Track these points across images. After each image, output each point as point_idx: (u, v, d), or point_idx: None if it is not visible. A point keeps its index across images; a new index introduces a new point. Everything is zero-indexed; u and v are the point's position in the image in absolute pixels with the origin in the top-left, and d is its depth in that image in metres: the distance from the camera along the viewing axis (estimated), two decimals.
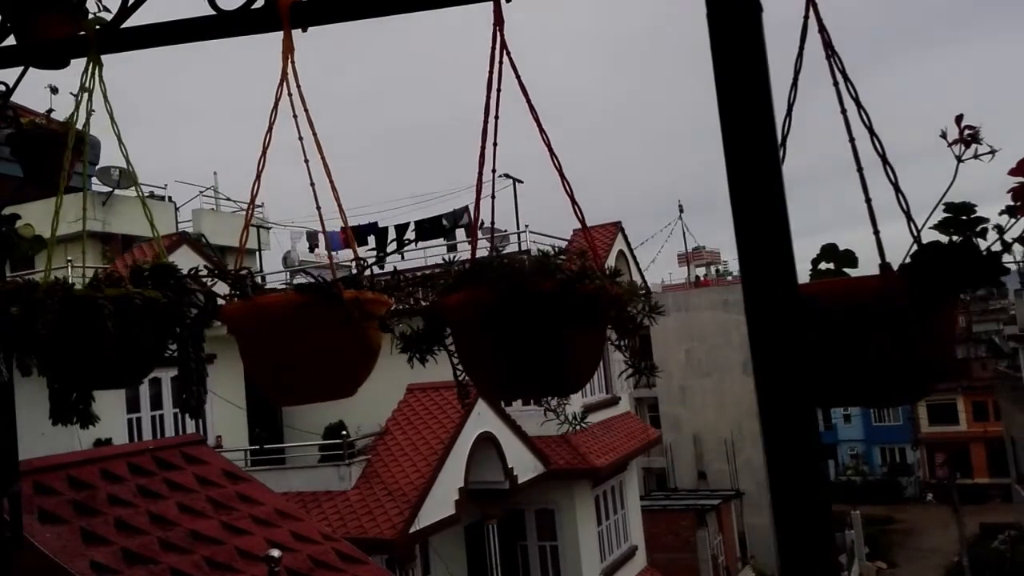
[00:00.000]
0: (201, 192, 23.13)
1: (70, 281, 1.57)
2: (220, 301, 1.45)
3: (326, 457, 14.11)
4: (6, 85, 4.06)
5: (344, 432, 13.84)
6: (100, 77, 1.80)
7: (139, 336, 1.46)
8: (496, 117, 1.60)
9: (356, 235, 20.94)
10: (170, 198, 22.33)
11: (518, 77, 1.60)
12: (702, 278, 41.49)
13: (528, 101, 1.61)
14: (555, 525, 17.19)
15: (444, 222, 18.15)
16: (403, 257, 19.68)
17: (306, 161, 1.59)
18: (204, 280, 1.50)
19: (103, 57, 1.89)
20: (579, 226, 1.74)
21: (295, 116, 1.62)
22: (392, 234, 19.99)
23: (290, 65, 1.59)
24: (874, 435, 50.60)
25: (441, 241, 20.05)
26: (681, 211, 37.76)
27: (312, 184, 1.59)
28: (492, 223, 1.99)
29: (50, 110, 4.45)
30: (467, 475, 14.08)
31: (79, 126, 1.78)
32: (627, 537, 19.56)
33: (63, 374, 1.50)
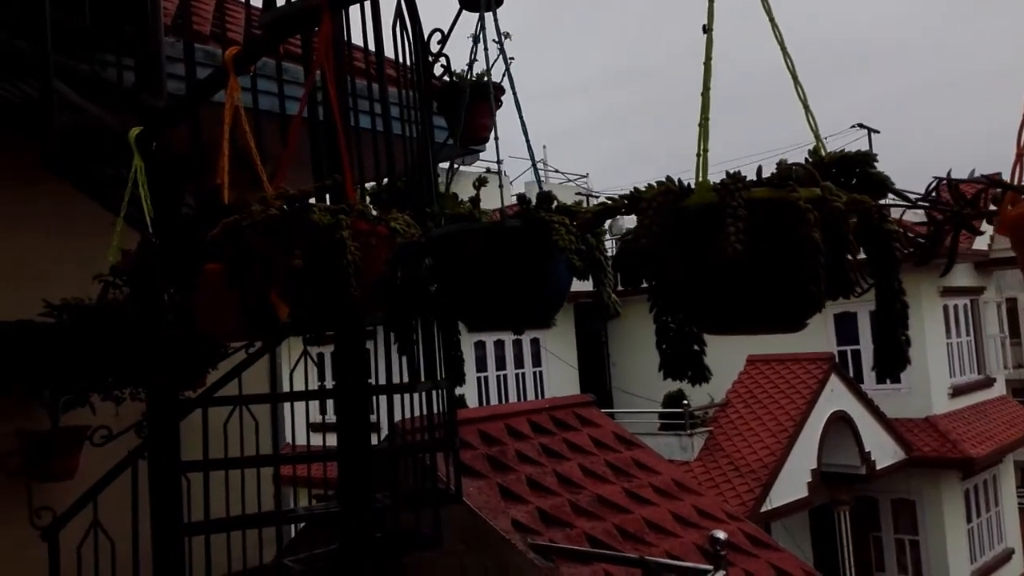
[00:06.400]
0: (529, 168, 24.01)
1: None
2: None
3: (665, 426, 13.81)
4: (442, 32, 4.05)
5: (686, 401, 13.41)
6: None
7: (839, 256, 1.04)
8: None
9: None
10: (504, 172, 23.49)
11: None
12: None
13: None
14: (916, 518, 15.36)
15: None
16: None
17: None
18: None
19: None
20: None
21: None
22: None
23: None
24: None
25: None
26: None
27: None
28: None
29: (473, 60, 4.41)
30: (819, 456, 12.96)
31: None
32: (1001, 538, 16.98)
33: (708, 311, 1.13)
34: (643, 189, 1.15)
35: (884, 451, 14.00)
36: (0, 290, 3.95)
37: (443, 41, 3.79)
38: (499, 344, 17.51)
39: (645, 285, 1.31)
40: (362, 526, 2.85)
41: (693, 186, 1.18)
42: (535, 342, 18.26)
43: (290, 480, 8.73)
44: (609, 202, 1.23)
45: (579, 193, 21.28)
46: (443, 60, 3.84)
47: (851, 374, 14.67)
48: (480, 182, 1.43)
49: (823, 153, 1.15)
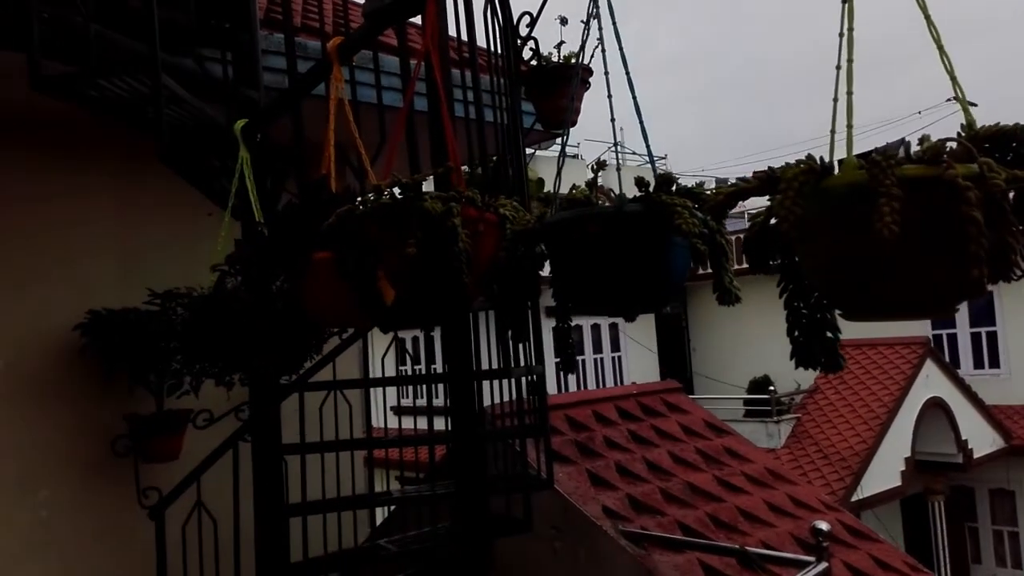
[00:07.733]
0: (609, 148, 23.81)
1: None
2: None
3: (751, 412, 13.54)
4: (531, 15, 4.02)
5: (772, 387, 13.12)
6: None
7: (1001, 237, 0.97)
8: None
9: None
10: (581, 156, 23.39)
11: None
12: None
13: None
14: (1016, 508, 14.69)
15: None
16: None
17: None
18: None
19: None
20: None
21: None
22: None
23: None
24: None
25: None
26: None
27: None
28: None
29: (560, 43, 4.35)
30: (913, 444, 12.51)
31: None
32: None
33: (853, 297, 1.07)
34: (778, 168, 1.10)
35: (982, 439, 13.41)
36: (108, 281, 4.13)
37: (532, 24, 3.75)
38: (576, 329, 17.46)
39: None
40: (475, 508, 2.88)
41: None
42: (613, 327, 18.12)
43: (377, 462, 8.90)
44: (741, 183, 1.18)
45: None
46: (531, 43, 3.81)
47: (947, 359, 14.09)
48: (599, 165, 1.40)
49: (976, 128, 1.08)
